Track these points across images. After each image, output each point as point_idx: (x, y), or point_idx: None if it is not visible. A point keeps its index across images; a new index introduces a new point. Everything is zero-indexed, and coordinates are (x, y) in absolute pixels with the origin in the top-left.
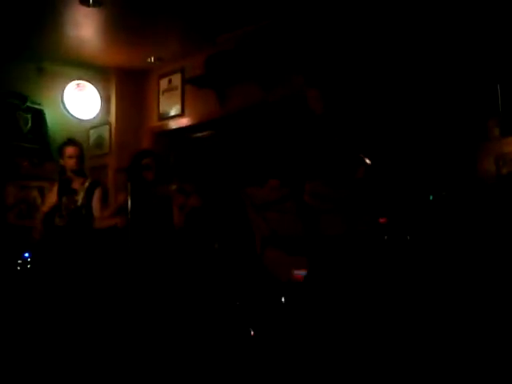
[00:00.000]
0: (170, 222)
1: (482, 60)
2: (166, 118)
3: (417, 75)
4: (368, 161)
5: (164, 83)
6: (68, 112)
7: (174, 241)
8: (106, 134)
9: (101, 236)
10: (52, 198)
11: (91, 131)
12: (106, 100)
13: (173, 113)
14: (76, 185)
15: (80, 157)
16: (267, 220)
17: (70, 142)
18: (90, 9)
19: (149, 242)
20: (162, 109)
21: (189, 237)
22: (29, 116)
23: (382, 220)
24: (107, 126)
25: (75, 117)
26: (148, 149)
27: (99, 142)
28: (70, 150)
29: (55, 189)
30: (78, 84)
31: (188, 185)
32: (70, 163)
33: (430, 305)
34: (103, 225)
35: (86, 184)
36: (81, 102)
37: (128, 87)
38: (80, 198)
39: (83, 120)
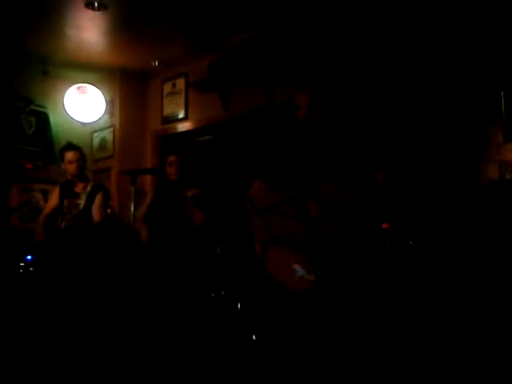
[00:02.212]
0: (189, 224)
1: (485, 66)
2: (169, 121)
3: (419, 82)
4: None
5: (168, 87)
6: (69, 115)
7: (191, 245)
8: (110, 137)
9: (104, 239)
10: (53, 200)
11: (94, 134)
12: (110, 103)
13: (176, 116)
14: (78, 188)
15: (80, 161)
16: (268, 223)
17: (69, 146)
18: (95, 12)
19: (165, 243)
20: (165, 112)
21: (196, 242)
22: (33, 119)
23: (384, 225)
24: (111, 129)
25: (76, 120)
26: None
27: (103, 145)
28: (69, 155)
29: (56, 191)
30: (78, 87)
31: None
32: (71, 168)
33: (433, 310)
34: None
35: (88, 188)
36: (82, 105)
37: (132, 90)
38: (82, 202)
39: (85, 123)
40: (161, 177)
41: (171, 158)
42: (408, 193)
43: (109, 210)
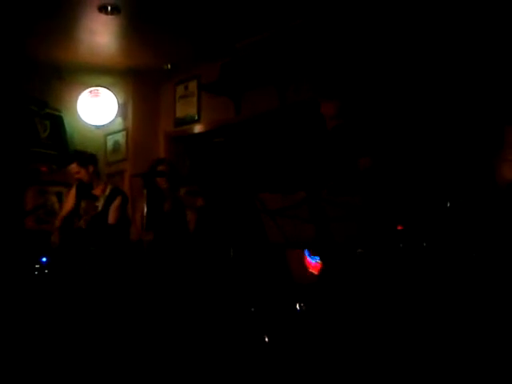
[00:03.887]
0: (185, 226)
1: (499, 66)
2: (181, 123)
3: (433, 82)
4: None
5: (180, 89)
6: (82, 119)
7: (188, 246)
8: (123, 140)
9: (118, 242)
10: (70, 202)
11: (108, 137)
12: (122, 106)
13: (189, 119)
14: (97, 191)
15: (82, 169)
16: (280, 226)
17: (71, 159)
18: (108, 16)
19: (165, 248)
20: (178, 115)
21: (203, 242)
22: (47, 122)
23: (398, 227)
24: (124, 132)
25: (89, 123)
26: (163, 157)
27: (116, 148)
28: (72, 169)
29: (73, 193)
30: (91, 91)
31: (196, 187)
32: (77, 178)
33: (447, 312)
34: (137, 237)
35: (107, 191)
36: (95, 108)
37: (145, 93)
38: (100, 205)
39: (98, 126)
40: (150, 186)
41: (161, 168)
42: (422, 193)
43: None
